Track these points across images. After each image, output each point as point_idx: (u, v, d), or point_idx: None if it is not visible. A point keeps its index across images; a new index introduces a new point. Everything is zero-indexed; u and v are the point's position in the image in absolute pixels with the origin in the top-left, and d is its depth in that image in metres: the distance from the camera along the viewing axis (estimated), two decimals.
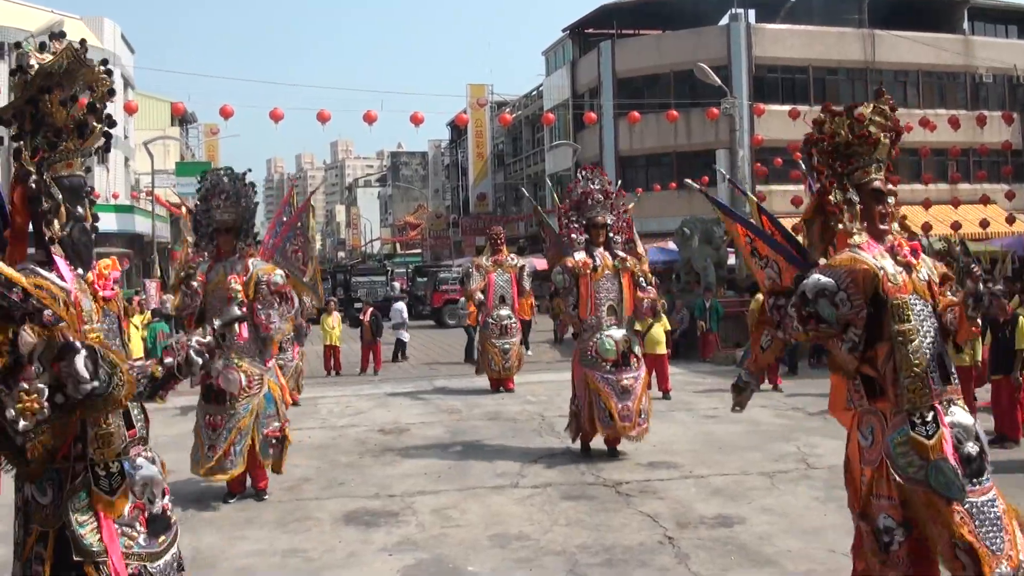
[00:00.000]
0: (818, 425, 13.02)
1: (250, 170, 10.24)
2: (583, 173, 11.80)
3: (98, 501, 3.90)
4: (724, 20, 42.92)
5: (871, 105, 5.03)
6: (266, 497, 9.62)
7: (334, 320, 20.79)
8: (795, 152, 30.69)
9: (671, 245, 24.71)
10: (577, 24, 48.32)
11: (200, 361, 4.12)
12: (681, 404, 15.11)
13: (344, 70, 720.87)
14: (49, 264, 3.98)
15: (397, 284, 44.60)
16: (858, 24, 41.35)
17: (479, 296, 17.18)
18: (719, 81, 27.23)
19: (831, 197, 4.95)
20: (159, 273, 39.75)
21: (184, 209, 11.47)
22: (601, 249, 11.36)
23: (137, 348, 16.63)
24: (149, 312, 20.72)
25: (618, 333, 11.11)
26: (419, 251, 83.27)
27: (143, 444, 4.31)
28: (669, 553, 7.53)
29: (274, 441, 9.67)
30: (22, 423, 3.49)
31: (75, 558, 3.83)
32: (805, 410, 14.24)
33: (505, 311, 17.08)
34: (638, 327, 12.03)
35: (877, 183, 4.93)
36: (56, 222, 4.06)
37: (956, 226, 30.90)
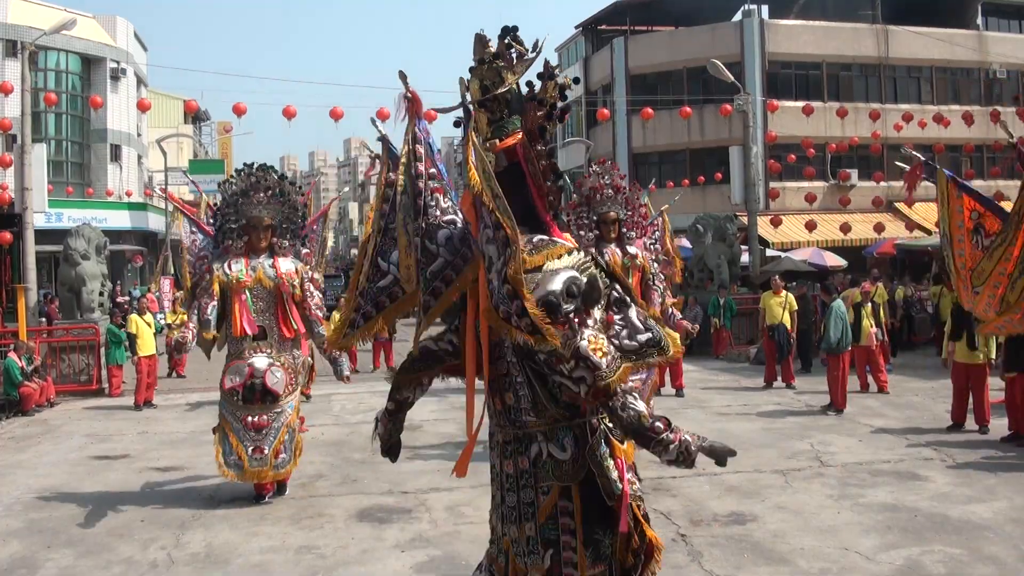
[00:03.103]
0: (832, 423, 12.99)
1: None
2: (594, 168, 11.40)
3: (616, 449, 4.19)
4: (737, 16, 42.74)
5: None
6: (287, 491, 9.65)
7: None
8: (808, 148, 30.77)
9: (684, 242, 24.64)
10: (590, 20, 48.19)
11: None
12: (694, 401, 15.08)
13: (357, 67, 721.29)
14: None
15: None
16: (871, 20, 41.12)
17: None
18: (732, 77, 27.11)
19: None
20: (172, 270, 39.92)
21: (205, 205, 11.36)
22: (612, 246, 10.92)
23: (149, 346, 16.66)
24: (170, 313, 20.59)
25: None
26: None
27: None
28: (682, 551, 7.53)
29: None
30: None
31: (608, 503, 4.12)
32: (819, 408, 14.19)
33: None
34: None
35: None
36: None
37: None
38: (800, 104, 33.18)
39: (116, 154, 43.62)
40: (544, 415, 4.15)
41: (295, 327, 9.57)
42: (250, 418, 9.23)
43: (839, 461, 10.52)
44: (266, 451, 9.18)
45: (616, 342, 4.07)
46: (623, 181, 11.26)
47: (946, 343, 13.22)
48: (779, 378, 16.75)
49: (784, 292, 17.50)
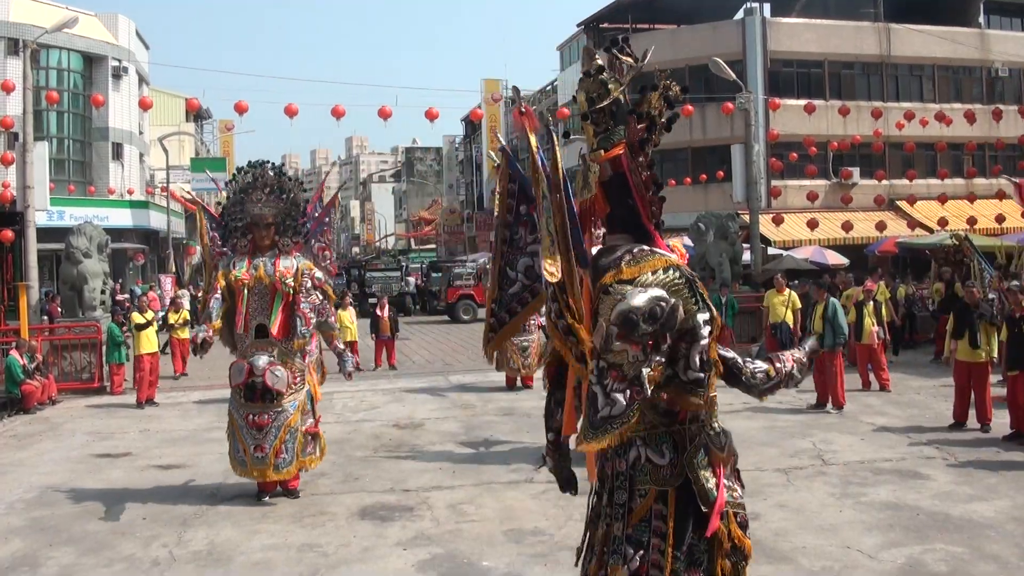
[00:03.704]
0: (834, 421, 12.99)
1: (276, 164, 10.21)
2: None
3: (715, 458, 4.28)
4: (739, 14, 42.68)
5: None
6: (299, 495, 9.63)
7: (351, 315, 20.54)
8: (810, 146, 30.72)
9: (686, 240, 24.62)
10: (592, 19, 48.13)
11: None
12: None
13: (359, 66, 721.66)
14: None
15: (412, 279, 44.52)
16: (874, 18, 41.04)
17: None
18: (734, 75, 27.08)
19: None
20: (174, 268, 39.91)
21: (212, 203, 11.37)
22: None
23: (150, 344, 16.65)
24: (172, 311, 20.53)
25: None
26: (433, 246, 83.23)
27: None
28: None
29: (310, 438, 9.69)
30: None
31: (703, 509, 4.18)
32: (821, 406, 14.18)
33: None
34: None
35: None
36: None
37: (972, 221, 30.73)
38: (802, 102, 33.06)
39: (118, 152, 43.62)
40: (643, 421, 4.19)
41: (293, 326, 9.53)
42: (252, 416, 9.26)
43: (841, 459, 10.52)
44: (267, 450, 9.19)
45: (675, 368, 4.12)
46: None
47: (948, 341, 13.22)
48: None
49: (787, 290, 17.54)
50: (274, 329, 9.42)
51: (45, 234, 24.09)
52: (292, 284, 9.50)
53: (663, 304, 3.91)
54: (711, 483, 4.21)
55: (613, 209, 4.37)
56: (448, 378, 18.91)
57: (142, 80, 47.52)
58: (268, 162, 9.98)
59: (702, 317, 4.12)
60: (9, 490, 10.17)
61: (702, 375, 4.12)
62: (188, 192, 16.42)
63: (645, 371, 3.85)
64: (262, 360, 9.27)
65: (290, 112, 23.65)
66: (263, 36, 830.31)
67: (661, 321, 3.89)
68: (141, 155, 47.50)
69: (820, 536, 7.80)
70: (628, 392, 3.85)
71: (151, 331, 16.86)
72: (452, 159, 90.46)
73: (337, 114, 23.10)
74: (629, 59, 4.42)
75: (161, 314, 21.19)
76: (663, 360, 3.98)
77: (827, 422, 12.95)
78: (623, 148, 4.31)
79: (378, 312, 21.25)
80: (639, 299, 3.88)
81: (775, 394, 4.37)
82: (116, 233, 32.90)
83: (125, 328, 18.09)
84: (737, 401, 14.93)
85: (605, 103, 4.29)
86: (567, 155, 33.36)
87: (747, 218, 27.64)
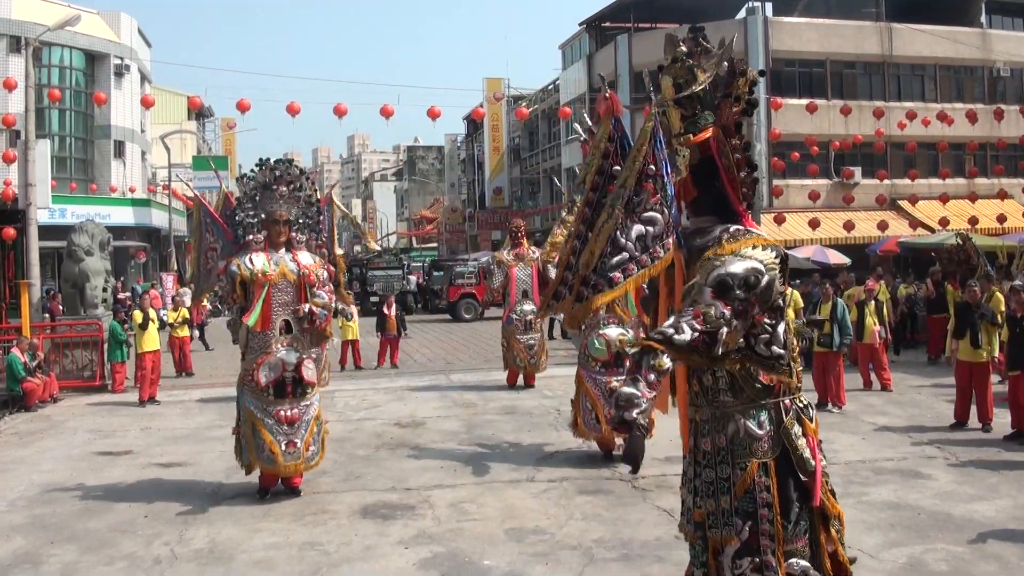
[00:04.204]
0: (835, 421, 12.98)
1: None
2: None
3: (807, 428, 4.48)
4: (741, 14, 42.68)
5: None
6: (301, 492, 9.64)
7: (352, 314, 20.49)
8: (812, 146, 30.70)
9: None
10: (594, 18, 48.14)
11: None
12: None
13: (361, 64, 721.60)
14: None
15: (413, 278, 44.50)
16: (875, 17, 41.03)
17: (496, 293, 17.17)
18: None
19: None
20: (175, 266, 39.94)
21: (222, 198, 11.33)
22: None
23: (152, 342, 16.66)
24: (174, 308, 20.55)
25: (613, 332, 10.62)
26: (435, 245, 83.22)
27: None
28: (686, 548, 7.52)
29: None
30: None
31: (802, 478, 4.39)
32: (823, 406, 14.18)
33: (528, 306, 16.82)
34: None
35: None
36: None
37: (973, 221, 30.73)
38: (804, 102, 33.02)
39: (120, 150, 43.67)
40: (741, 395, 4.38)
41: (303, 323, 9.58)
42: (283, 412, 9.25)
43: (842, 459, 10.51)
44: (299, 444, 9.24)
45: (751, 342, 4.24)
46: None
47: (949, 341, 13.22)
48: None
49: (790, 290, 17.50)
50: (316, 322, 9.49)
51: (47, 232, 24.14)
52: (323, 276, 9.60)
53: (758, 275, 4.10)
54: (807, 453, 4.39)
55: (700, 192, 4.53)
56: (450, 377, 18.91)
57: (144, 78, 47.56)
58: (290, 160, 10.06)
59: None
60: (10, 488, 10.18)
61: (784, 352, 4.28)
62: (190, 185, 16.25)
63: (724, 330, 3.94)
64: (293, 356, 9.33)
65: (292, 110, 23.66)
66: (265, 34, 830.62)
67: (754, 291, 4.06)
68: (143, 153, 47.54)
69: None
70: (696, 335, 3.88)
71: (153, 329, 16.87)
72: (454, 158, 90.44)
73: (339, 112, 23.10)
74: (708, 45, 4.57)
75: (164, 312, 21.22)
76: (743, 330, 4.10)
77: (828, 421, 12.93)
78: (711, 132, 4.46)
79: (385, 311, 21.22)
80: (736, 266, 4.09)
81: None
82: (118, 231, 32.97)
83: (127, 326, 18.10)
84: None
85: (696, 89, 4.45)
86: (567, 155, 33.43)
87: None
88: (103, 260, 19.22)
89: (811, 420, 4.51)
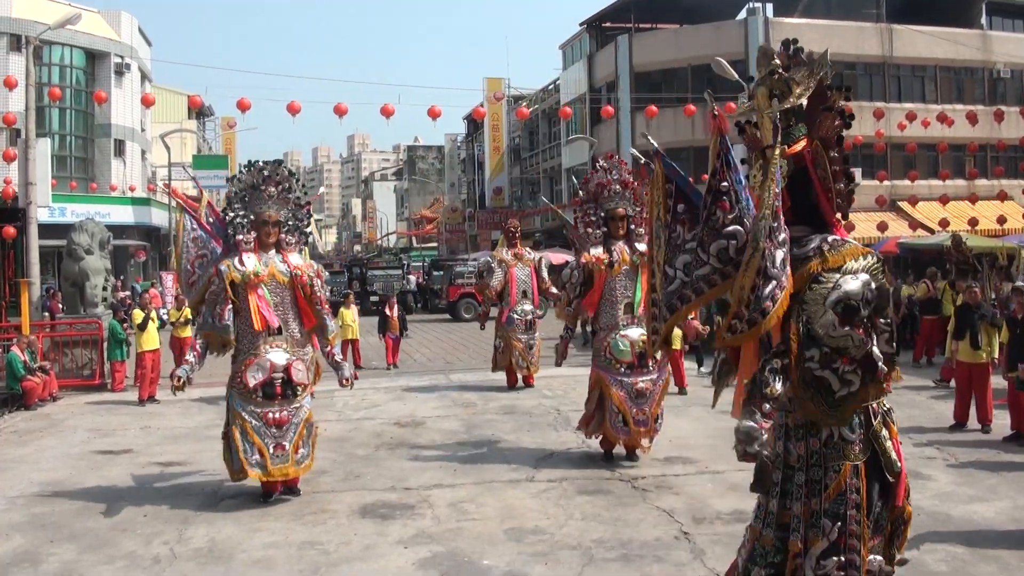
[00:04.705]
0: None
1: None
2: (601, 163, 11.16)
3: (892, 431, 4.72)
4: (742, 14, 42.75)
5: None
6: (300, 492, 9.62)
7: (353, 314, 20.47)
8: None
9: None
10: (594, 18, 48.17)
11: None
12: (697, 399, 15.05)
13: (361, 64, 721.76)
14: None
15: (413, 278, 44.49)
16: (876, 18, 41.08)
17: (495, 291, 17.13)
18: (737, 75, 27.06)
19: None
20: (175, 265, 39.93)
21: (205, 202, 11.23)
22: (620, 243, 10.81)
23: (152, 341, 16.66)
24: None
25: (635, 332, 10.54)
26: (435, 245, 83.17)
27: None
28: (685, 548, 7.54)
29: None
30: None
31: (889, 479, 4.60)
32: None
33: (528, 305, 16.86)
34: None
35: None
36: None
37: (973, 222, 30.74)
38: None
39: (120, 149, 43.69)
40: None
41: (321, 320, 9.57)
42: (271, 414, 9.17)
43: None
44: (287, 447, 9.17)
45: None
46: (631, 176, 11.07)
47: (949, 342, 13.21)
48: None
49: None
50: (306, 322, 9.46)
51: (47, 230, 24.14)
52: (315, 277, 9.56)
53: (872, 288, 4.38)
54: (894, 455, 4.61)
55: (794, 202, 4.64)
56: (449, 376, 18.91)
57: (144, 77, 47.58)
58: (279, 161, 10.02)
59: None
60: (10, 486, 10.18)
61: (892, 350, 4.55)
62: (195, 182, 16.20)
63: (875, 350, 4.36)
64: (282, 357, 9.28)
65: (292, 110, 23.65)
66: (266, 34, 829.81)
67: (873, 304, 4.36)
68: (143, 152, 47.57)
69: None
70: (860, 372, 4.36)
71: (152, 328, 16.86)
72: (454, 157, 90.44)
73: (339, 112, 23.08)
74: (802, 59, 4.63)
75: (164, 311, 21.19)
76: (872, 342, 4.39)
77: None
78: (805, 143, 4.60)
79: (387, 311, 21.20)
80: (852, 285, 4.32)
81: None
82: (118, 230, 32.94)
83: (126, 325, 18.09)
84: None
85: (795, 101, 4.54)
86: (568, 155, 33.43)
87: None
88: (103, 259, 19.22)
89: (894, 423, 4.72)
